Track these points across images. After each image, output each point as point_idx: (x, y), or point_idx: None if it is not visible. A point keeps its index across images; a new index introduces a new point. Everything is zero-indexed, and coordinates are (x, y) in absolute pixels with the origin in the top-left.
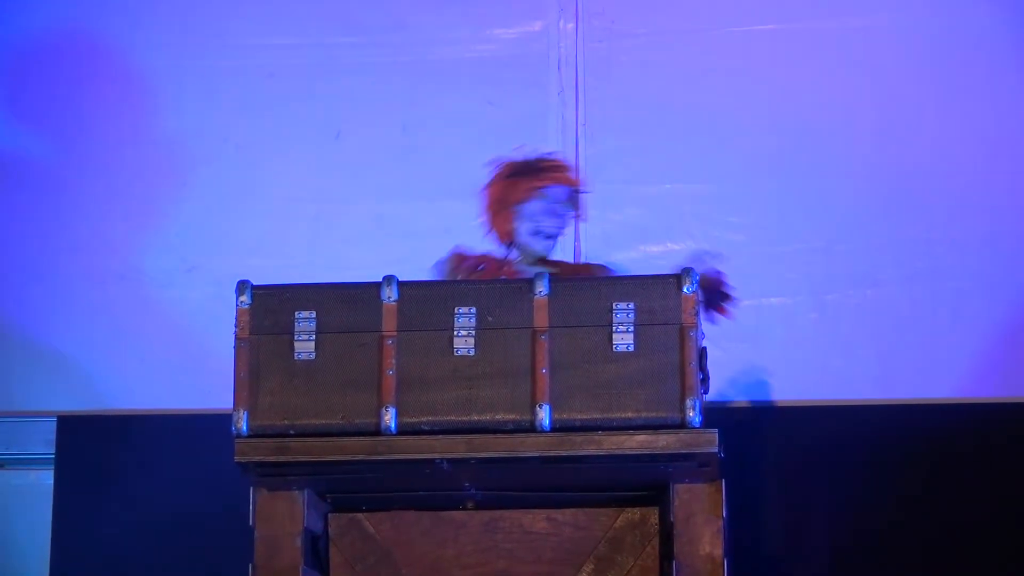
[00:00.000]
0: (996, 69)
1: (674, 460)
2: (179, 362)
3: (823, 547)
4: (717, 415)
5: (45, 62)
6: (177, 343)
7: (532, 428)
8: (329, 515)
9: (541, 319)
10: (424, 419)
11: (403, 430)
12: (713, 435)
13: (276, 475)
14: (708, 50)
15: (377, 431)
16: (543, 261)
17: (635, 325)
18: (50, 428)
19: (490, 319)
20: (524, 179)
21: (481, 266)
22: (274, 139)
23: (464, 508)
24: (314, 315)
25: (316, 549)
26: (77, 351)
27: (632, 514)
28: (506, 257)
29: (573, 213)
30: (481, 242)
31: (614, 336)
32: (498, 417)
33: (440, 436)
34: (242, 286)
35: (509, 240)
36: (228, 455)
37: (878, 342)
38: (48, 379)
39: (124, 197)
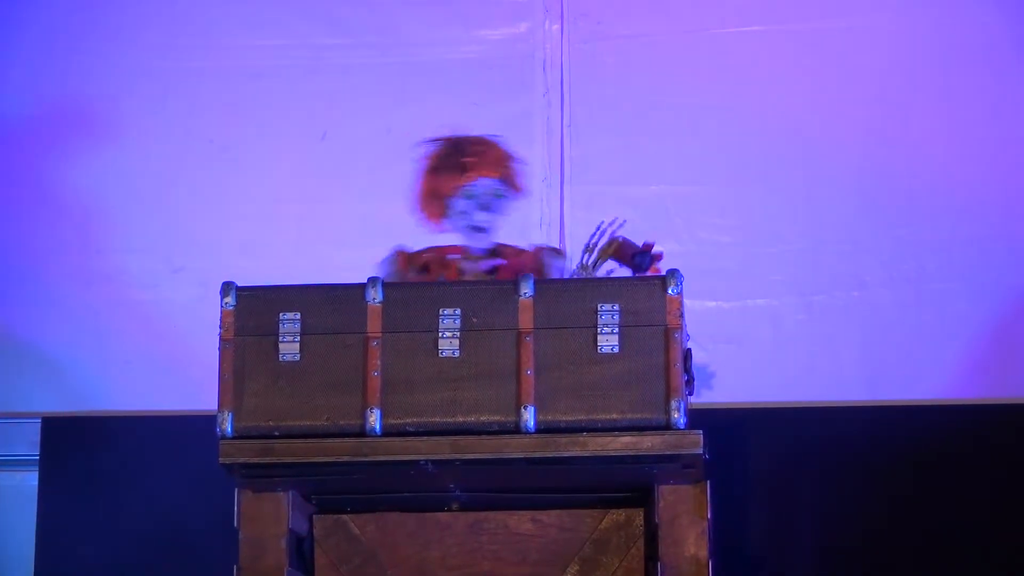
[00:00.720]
0: (983, 71)
1: (659, 461)
2: (164, 363)
3: (809, 548)
4: (702, 416)
5: (28, 61)
6: (162, 344)
7: (517, 429)
8: (314, 516)
9: (526, 320)
10: (409, 420)
11: (388, 431)
12: (698, 436)
13: (261, 476)
14: (694, 52)
15: (362, 432)
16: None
17: (620, 327)
18: (34, 429)
19: (475, 320)
20: (449, 175)
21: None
22: (260, 140)
23: (449, 509)
24: (299, 316)
25: (301, 550)
26: (62, 352)
27: (617, 515)
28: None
29: (506, 199)
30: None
31: (599, 337)
32: (483, 418)
33: (425, 437)
34: (227, 287)
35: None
36: (213, 456)
37: (864, 343)
38: (32, 380)
39: (108, 198)
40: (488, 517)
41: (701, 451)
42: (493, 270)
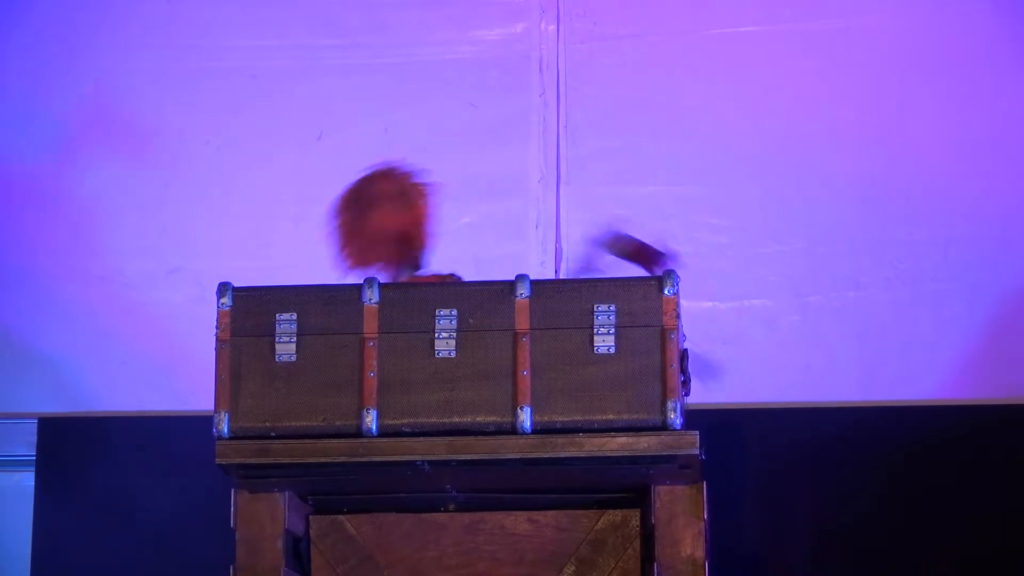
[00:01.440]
0: (978, 71)
1: (655, 462)
2: (160, 364)
3: (804, 548)
4: (698, 417)
5: (26, 62)
6: (158, 345)
7: (513, 430)
8: (310, 517)
9: (522, 321)
10: (405, 421)
11: (384, 432)
12: (694, 437)
13: (257, 477)
14: (690, 52)
15: (358, 433)
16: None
17: (616, 327)
18: (31, 430)
19: (471, 321)
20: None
21: None
22: (256, 141)
23: (445, 510)
24: (295, 317)
25: (297, 551)
26: (58, 353)
27: (614, 516)
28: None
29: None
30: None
31: (595, 338)
32: (479, 419)
33: (421, 438)
34: (223, 288)
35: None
36: (209, 457)
37: (860, 344)
38: (29, 381)
39: (105, 198)
40: (484, 517)
41: (697, 451)
42: None
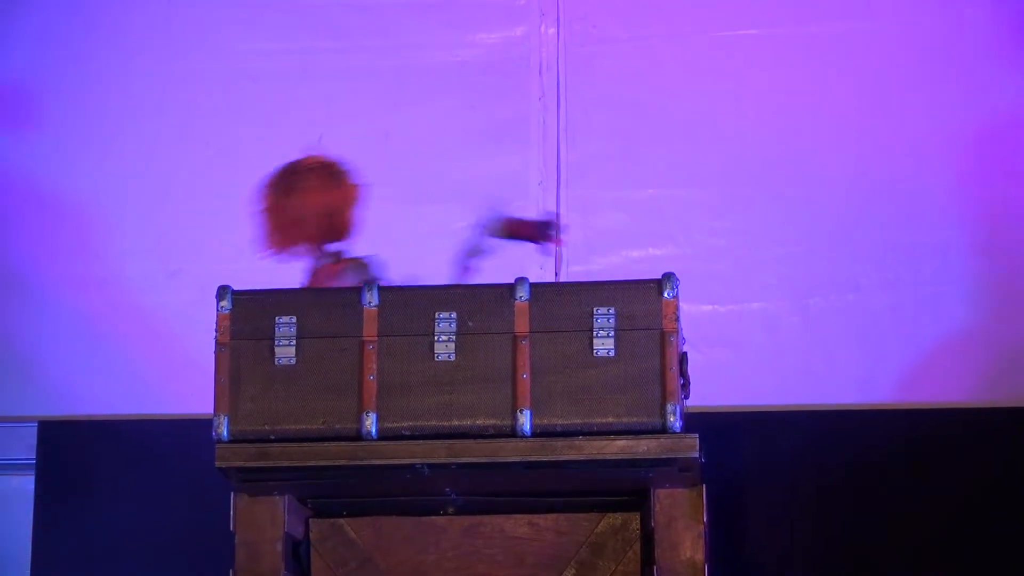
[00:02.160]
0: (978, 73)
1: (655, 465)
2: (160, 367)
3: (805, 552)
4: (698, 420)
5: (24, 63)
6: (158, 348)
7: (513, 433)
8: (310, 520)
9: (522, 324)
10: (405, 424)
11: (384, 435)
12: (694, 440)
13: (257, 480)
14: (690, 55)
15: (358, 436)
16: None
17: (615, 330)
18: (31, 434)
19: (471, 324)
20: (291, 231)
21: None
22: (256, 143)
23: (445, 513)
24: (295, 320)
25: (297, 554)
26: (58, 357)
27: (613, 519)
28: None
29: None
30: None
31: (595, 341)
32: (479, 422)
33: (421, 441)
34: (222, 291)
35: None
36: (209, 460)
37: (860, 347)
38: (29, 385)
39: (104, 202)
40: (484, 521)
41: (697, 454)
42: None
